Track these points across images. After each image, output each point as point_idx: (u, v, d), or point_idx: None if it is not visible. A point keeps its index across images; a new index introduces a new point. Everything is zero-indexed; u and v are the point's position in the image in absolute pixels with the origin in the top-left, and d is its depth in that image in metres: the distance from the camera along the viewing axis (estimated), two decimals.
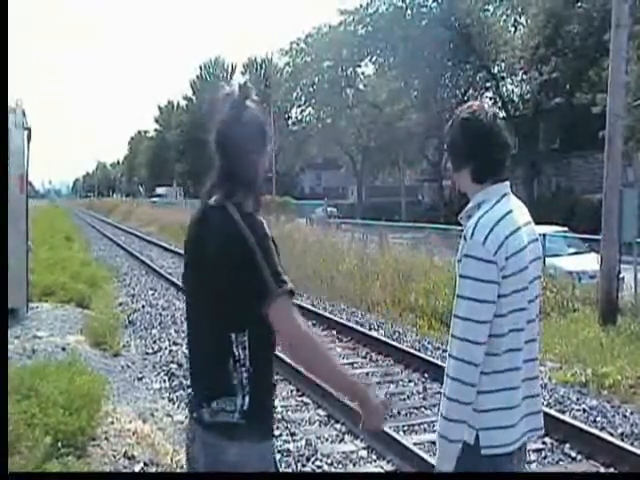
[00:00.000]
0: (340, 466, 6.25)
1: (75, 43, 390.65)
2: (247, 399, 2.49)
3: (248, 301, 2.42)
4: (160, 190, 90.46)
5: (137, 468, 5.46)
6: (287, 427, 7.20)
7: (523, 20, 42.50)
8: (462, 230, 2.77)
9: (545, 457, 6.33)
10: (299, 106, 55.67)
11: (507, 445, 2.73)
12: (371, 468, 6.18)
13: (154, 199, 78.15)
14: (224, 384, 2.49)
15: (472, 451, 2.72)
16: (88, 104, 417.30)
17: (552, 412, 7.19)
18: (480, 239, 2.63)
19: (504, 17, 44.53)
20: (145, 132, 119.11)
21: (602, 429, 6.92)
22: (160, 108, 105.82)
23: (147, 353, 10.47)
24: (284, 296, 2.44)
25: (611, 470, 6.01)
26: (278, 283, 2.42)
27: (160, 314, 13.47)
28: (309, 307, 13.72)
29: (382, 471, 6.13)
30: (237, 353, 2.47)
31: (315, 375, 2.63)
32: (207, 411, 2.52)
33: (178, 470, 5.51)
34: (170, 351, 10.43)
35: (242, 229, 2.44)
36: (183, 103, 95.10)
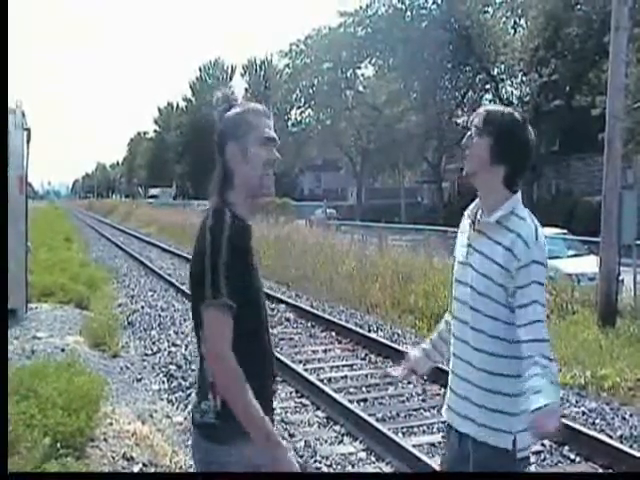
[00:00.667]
0: (339, 468, 6.24)
1: (75, 44, 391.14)
2: (218, 399, 2.51)
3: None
4: (154, 191, 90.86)
5: (136, 469, 5.46)
6: (286, 429, 7.19)
7: (523, 22, 42.54)
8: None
9: (544, 459, 6.32)
10: (298, 108, 55.66)
11: (531, 445, 2.87)
12: (370, 470, 6.18)
13: (150, 200, 78.32)
14: (204, 382, 2.57)
15: (509, 456, 2.79)
16: (88, 105, 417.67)
17: None
18: (543, 245, 2.77)
19: (504, 19, 44.54)
20: (144, 133, 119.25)
21: (601, 431, 6.92)
22: (159, 109, 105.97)
23: (146, 354, 10.46)
24: (213, 308, 2.44)
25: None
26: (214, 293, 2.43)
27: (159, 315, 13.47)
28: (308, 308, 13.72)
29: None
30: (204, 351, 2.54)
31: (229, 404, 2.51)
32: (197, 411, 2.60)
33: (177, 471, 5.51)
34: (169, 352, 10.42)
35: (206, 228, 2.50)
36: (182, 104, 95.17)
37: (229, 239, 2.46)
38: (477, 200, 2.96)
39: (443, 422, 3.20)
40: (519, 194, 2.86)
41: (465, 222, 3.00)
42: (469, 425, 2.87)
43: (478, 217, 2.90)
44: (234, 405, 2.44)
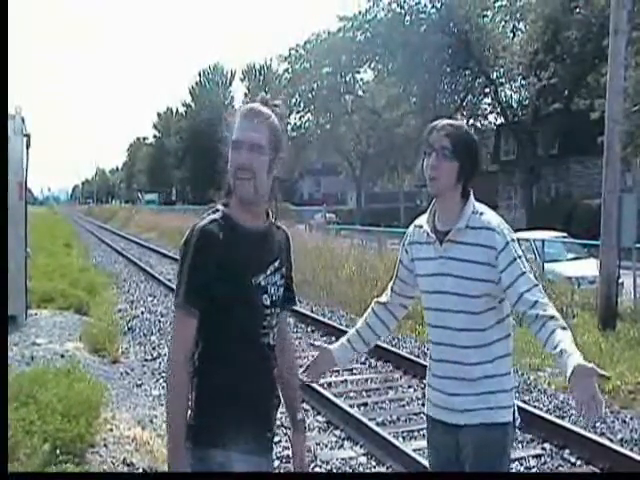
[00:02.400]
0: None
1: (74, 48, 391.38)
2: (193, 395, 2.53)
3: None
4: (150, 196, 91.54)
5: None
6: (286, 434, 7.18)
7: (522, 26, 42.54)
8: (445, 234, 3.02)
9: (544, 463, 6.32)
10: (298, 112, 55.56)
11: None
12: None
13: (149, 206, 78.73)
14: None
15: (512, 428, 3.06)
16: (87, 110, 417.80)
17: (551, 418, 7.20)
18: (508, 226, 3.02)
19: (503, 23, 44.55)
20: (144, 139, 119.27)
21: (601, 435, 6.91)
22: (159, 114, 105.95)
23: (146, 360, 10.45)
24: (175, 310, 2.51)
25: None
26: (176, 294, 2.50)
27: (159, 320, 13.46)
28: (308, 313, 13.72)
29: None
30: None
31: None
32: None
33: None
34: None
35: (190, 230, 2.54)
36: (182, 109, 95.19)
37: (204, 244, 2.47)
38: (427, 214, 3.12)
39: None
40: (471, 193, 3.04)
41: (417, 236, 3.15)
42: (467, 415, 3.00)
43: (438, 229, 3.04)
44: (165, 404, 2.51)
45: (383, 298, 3.37)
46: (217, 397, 2.52)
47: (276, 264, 2.67)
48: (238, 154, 2.56)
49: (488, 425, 2.96)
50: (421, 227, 3.13)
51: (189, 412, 2.52)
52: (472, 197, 3.02)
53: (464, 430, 2.99)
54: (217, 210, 2.61)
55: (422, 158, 3.02)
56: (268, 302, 2.62)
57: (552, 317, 2.83)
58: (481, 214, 2.98)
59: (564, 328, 2.85)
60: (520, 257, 2.92)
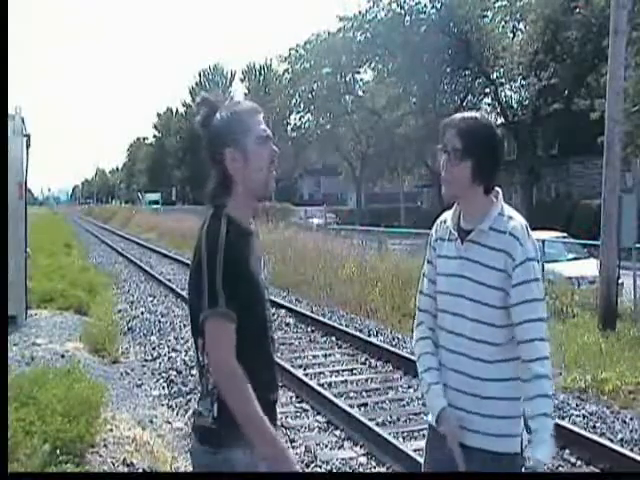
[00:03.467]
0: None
1: (74, 49, 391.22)
2: (216, 405, 2.49)
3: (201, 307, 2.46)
4: (153, 196, 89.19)
5: None
6: (286, 433, 7.19)
7: (522, 26, 42.54)
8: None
9: (544, 463, 6.30)
10: (298, 112, 55.64)
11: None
12: None
13: (153, 206, 76.67)
14: (202, 388, 2.57)
15: (519, 460, 2.83)
16: (87, 110, 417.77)
17: None
18: (535, 241, 2.79)
19: (503, 23, 44.55)
20: (144, 139, 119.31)
21: (602, 435, 6.91)
22: (159, 115, 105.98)
23: (146, 360, 10.45)
24: (213, 318, 2.42)
25: None
26: (211, 303, 2.42)
27: (159, 321, 13.46)
28: (308, 313, 13.72)
29: None
30: (201, 359, 2.52)
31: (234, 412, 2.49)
32: (196, 415, 2.61)
33: None
34: (169, 358, 10.41)
35: (202, 237, 2.48)
36: (182, 110, 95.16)
37: (225, 248, 2.43)
38: (453, 210, 2.93)
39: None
40: (500, 194, 2.86)
41: (441, 232, 2.96)
42: (473, 437, 2.81)
43: (462, 227, 2.86)
44: (237, 411, 2.40)
45: (425, 332, 3.02)
46: None
47: (262, 262, 2.76)
48: (270, 147, 2.61)
49: (497, 454, 2.79)
50: (445, 223, 2.96)
51: (213, 418, 2.51)
52: (501, 198, 2.84)
53: (468, 452, 2.79)
54: (218, 215, 2.54)
55: (441, 155, 2.86)
56: (267, 296, 2.70)
57: (541, 376, 2.74)
58: (509, 218, 2.78)
59: (547, 395, 2.72)
60: (537, 280, 2.74)
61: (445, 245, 2.91)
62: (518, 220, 2.79)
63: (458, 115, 2.90)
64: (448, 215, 2.96)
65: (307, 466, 6.34)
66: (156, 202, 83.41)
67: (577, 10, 34.53)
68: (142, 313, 14.49)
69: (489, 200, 2.82)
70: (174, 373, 9.50)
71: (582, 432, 6.73)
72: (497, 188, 2.85)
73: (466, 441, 2.81)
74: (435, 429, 2.90)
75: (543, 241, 17.17)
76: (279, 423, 7.27)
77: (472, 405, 2.81)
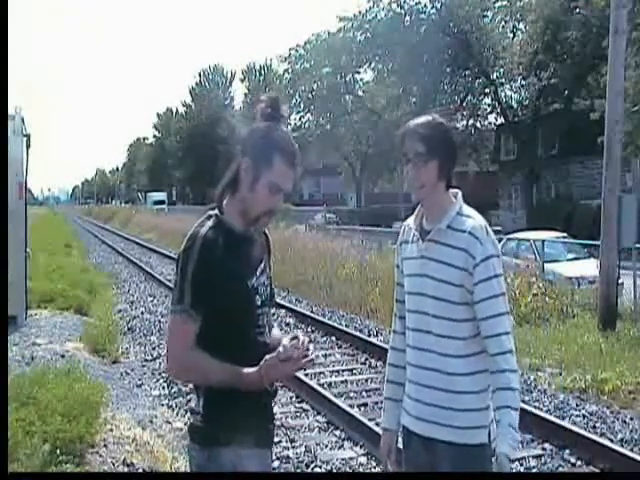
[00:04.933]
0: None
1: (74, 49, 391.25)
2: (202, 401, 2.60)
3: None
4: (157, 195, 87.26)
5: None
6: (286, 434, 7.19)
7: (522, 26, 42.56)
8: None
9: (545, 463, 6.32)
10: (298, 112, 55.61)
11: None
12: None
13: (158, 207, 74.38)
14: (194, 387, 2.70)
15: (488, 450, 2.85)
16: (87, 110, 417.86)
17: (552, 418, 7.20)
18: (494, 238, 2.86)
19: (503, 23, 44.59)
20: (144, 139, 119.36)
21: (602, 435, 6.91)
22: (159, 115, 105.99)
23: (146, 360, 10.46)
24: (174, 315, 2.55)
25: None
26: (176, 300, 2.52)
27: (159, 321, 13.46)
28: (308, 313, 13.72)
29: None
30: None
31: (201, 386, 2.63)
32: (189, 410, 2.74)
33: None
34: None
35: (189, 235, 2.56)
36: (182, 110, 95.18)
37: (201, 249, 2.49)
38: (415, 213, 3.03)
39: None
40: (460, 194, 2.94)
41: (405, 236, 3.06)
42: (439, 430, 2.87)
43: (424, 227, 2.95)
44: (202, 381, 2.58)
45: (396, 342, 3.15)
46: (222, 399, 2.55)
47: (262, 265, 2.72)
48: (276, 199, 2.63)
49: (466, 446, 2.83)
50: (408, 226, 3.06)
51: (200, 416, 2.58)
52: (460, 197, 2.92)
53: (440, 447, 2.86)
54: (211, 216, 2.62)
55: (401, 166, 2.98)
56: (259, 302, 2.67)
57: (506, 370, 2.77)
58: (468, 217, 2.86)
59: (511, 388, 2.76)
60: (497, 276, 2.80)
61: (409, 247, 3.01)
62: (477, 220, 2.86)
63: (412, 122, 2.99)
64: (411, 218, 3.06)
65: (307, 466, 6.34)
66: (162, 202, 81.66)
67: (577, 10, 34.53)
68: (142, 313, 14.50)
69: (449, 199, 2.91)
70: None
71: (582, 432, 6.73)
72: (457, 190, 2.94)
73: (437, 435, 2.87)
74: (407, 429, 3.02)
75: (543, 241, 17.20)
76: (279, 423, 7.29)
77: (443, 400, 2.86)
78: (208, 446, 2.55)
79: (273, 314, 2.98)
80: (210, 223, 2.58)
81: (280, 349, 2.50)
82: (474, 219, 2.86)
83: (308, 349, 2.54)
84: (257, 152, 2.59)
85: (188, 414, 7.40)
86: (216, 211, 2.64)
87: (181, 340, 2.51)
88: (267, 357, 2.50)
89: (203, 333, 2.53)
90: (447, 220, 2.85)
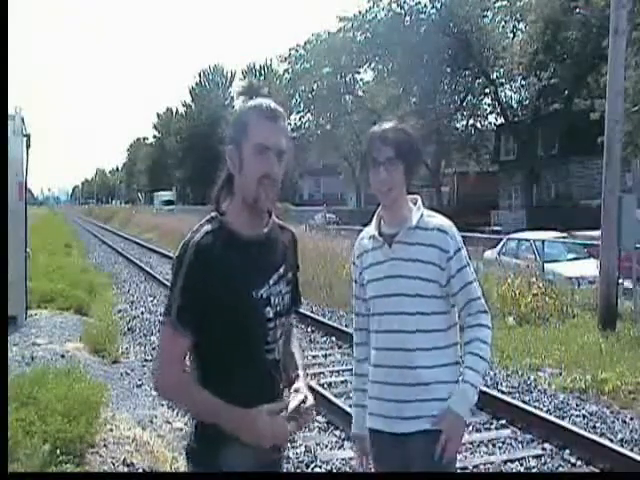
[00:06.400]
0: None
1: (74, 49, 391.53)
2: (191, 421, 2.42)
3: None
4: (165, 195, 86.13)
5: None
6: None
7: (522, 26, 42.61)
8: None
9: (545, 463, 6.32)
10: (298, 112, 55.64)
11: None
12: None
13: (167, 207, 72.31)
14: None
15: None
16: (87, 110, 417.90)
17: (552, 418, 7.20)
18: (456, 232, 3.03)
19: (503, 23, 44.63)
20: (144, 139, 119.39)
21: (602, 435, 6.90)
22: (159, 115, 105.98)
23: (146, 360, 10.44)
24: (163, 326, 2.35)
25: None
26: (166, 310, 2.30)
27: (159, 321, 13.43)
28: (308, 313, 13.71)
29: None
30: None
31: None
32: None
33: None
34: None
35: (183, 241, 2.35)
36: (182, 110, 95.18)
37: (194, 257, 2.25)
38: (373, 223, 3.12)
39: None
40: (420, 200, 3.09)
41: (362, 247, 3.14)
42: (415, 422, 2.94)
43: (386, 233, 3.04)
44: (190, 413, 2.42)
45: (360, 354, 3.22)
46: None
47: (281, 271, 2.47)
48: (265, 160, 2.31)
49: (437, 432, 2.89)
50: (364, 238, 3.14)
51: (192, 435, 2.38)
52: (420, 200, 3.06)
53: (412, 438, 2.93)
54: (213, 219, 2.38)
55: (366, 170, 3.03)
56: (271, 314, 2.39)
57: (483, 325, 2.98)
58: (431, 217, 3.01)
59: (485, 342, 2.96)
60: (468, 265, 2.99)
61: (370, 255, 3.09)
62: (440, 218, 3.03)
63: (380, 127, 3.09)
64: (368, 229, 3.15)
65: (307, 466, 6.34)
66: (171, 202, 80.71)
67: (577, 10, 34.54)
68: (142, 313, 14.49)
69: (411, 202, 3.05)
70: None
71: (582, 432, 6.72)
72: (416, 195, 3.10)
73: (407, 429, 2.95)
74: (374, 431, 3.09)
75: (543, 241, 17.21)
76: None
77: (416, 393, 2.94)
78: (200, 466, 2.37)
79: (294, 325, 2.74)
80: (208, 227, 2.34)
81: (284, 411, 2.30)
82: (438, 218, 3.03)
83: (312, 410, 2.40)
84: (234, 128, 2.39)
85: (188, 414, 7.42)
86: (216, 213, 2.40)
87: (167, 355, 2.30)
88: (266, 407, 2.25)
89: (201, 350, 2.32)
90: (415, 220, 2.98)
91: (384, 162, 2.93)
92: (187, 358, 2.36)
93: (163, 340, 2.38)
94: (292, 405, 2.34)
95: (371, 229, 3.12)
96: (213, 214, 2.40)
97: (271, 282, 2.42)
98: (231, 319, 2.30)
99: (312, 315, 13.54)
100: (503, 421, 7.31)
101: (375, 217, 3.12)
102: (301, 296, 2.77)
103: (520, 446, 6.72)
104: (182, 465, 5.87)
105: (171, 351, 2.30)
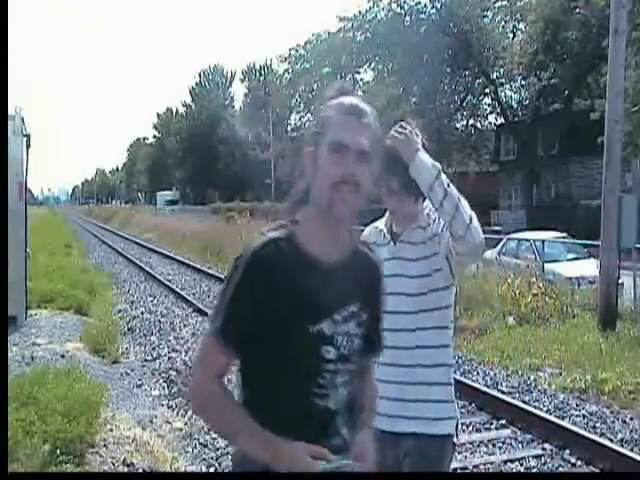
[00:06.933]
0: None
1: (74, 49, 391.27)
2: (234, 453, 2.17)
3: None
4: (168, 195, 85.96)
5: None
6: None
7: (522, 26, 42.54)
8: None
9: (545, 463, 6.32)
10: (298, 112, 55.70)
11: None
12: None
13: (170, 207, 72.52)
14: None
15: (450, 440, 3.01)
16: (87, 110, 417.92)
17: (552, 418, 7.20)
18: None
19: (503, 23, 44.55)
20: (144, 139, 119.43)
21: (602, 435, 6.91)
22: (159, 115, 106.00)
23: (146, 360, 10.45)
24: (205, 336, 2.10)
25: None
26: (210, 317, 2.07)
27: (159, 321, 13.46)
28: None
29: None
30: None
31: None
32: None
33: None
34: (169, 358, 10.41)
35: (245, 246, 2.07)
36: (182, 110, 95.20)
37: (248, 267, 1.97)
38: (385, 218, 3.16)
39: None
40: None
41: (374, 237, 3.14)
42: (407, 423, 2.95)
43: (395, 230, 3.09)
44: (217, 432, 2.25)
45: None
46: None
47: (353, 308, 2.06)
48: (342, 160, 1.98)
49: (435, 437, 2.92)
50: (377, 228, 3.17)
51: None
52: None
53: (406, 439, 2.94)
54: (282, 226, 2.07)
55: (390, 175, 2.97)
56: (333, 356, 2.02)
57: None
58: (428, 216, 3.04)
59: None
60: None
61: (377, 250, 3.04)
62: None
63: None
64: (380, 222, 3.19)
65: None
66: (175, 202, 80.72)
67: (577, 10, 34.52)
68: (142, 313, 14.49)
69: (420, 202, 3.04)
70: (174, 373, 9.49)
71: (582, 432, 6.73)
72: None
73: (404, 429, 2.96)
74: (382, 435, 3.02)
75: (543, 241, 17.20)
76: None
77: (410, 393, 2.95)
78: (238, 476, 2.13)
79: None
80: (273, 235, 2.04)
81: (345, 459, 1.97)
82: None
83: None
84: (313, 128, 2.13)
85: (188, 414, 7.42)
86: (288, 223, 2.08)
87: (205, 366, 2.07)
88: (308, 447, 1.92)
89: (245, 372, 2.06)
90: (419, 220, 3.02)
91: (401, 172, 2.95)
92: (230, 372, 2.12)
93: (203, 349, 2.12)
94: (333, 462, 1.95)
95: (381, 224, 3.15)
96: (283, 222, 2.09)
97: (337, 318, 2.03)
98: (279, 350, 1.99)
99: None
100: (503, 421, 7.31)
101: (388, 212, 3.15)
102: (382, 343, 2.28)
103: (520, 446, 6.72)
104: (182, 465, 5.88)
105: (210, 364, 2.06)
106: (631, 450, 6.43)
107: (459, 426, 3.04)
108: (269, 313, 1.96)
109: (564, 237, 19.23)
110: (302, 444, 1.91)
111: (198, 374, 2.12)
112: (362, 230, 3.12)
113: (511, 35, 43.91)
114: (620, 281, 12.11)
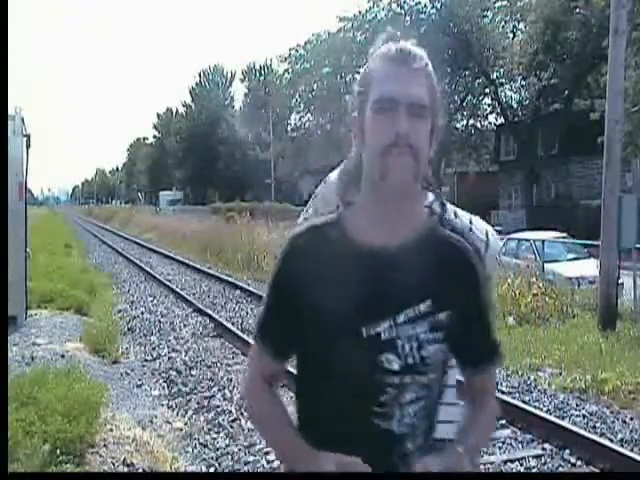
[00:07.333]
0: None
1: (74, 49, 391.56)
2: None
3: None
4: (170, 195, 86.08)
5: None
6: None
7: (522, 26, 42.55)
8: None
9: (545, 463, 6.31)
10: (298, 112, 55.71)
11: None
12: None
13: (172, 207, 72.58)
14: None
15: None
16: (87, 110, 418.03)
17: (552, 418, 7.19)
18: None
19: (503, 23, 44.58)
20: (144, 139, 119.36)
21: (602, 435, 6.90)
22: (159, 115, 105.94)
23: (146, 360, 10.44)
24: (254, 341, 1.85)
25: None
26: (257, 322, 1.84)
27: (159, 321, 13.45)
28: None
29: None
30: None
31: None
32: None
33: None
34: (169, 358, 10.41)
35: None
36: (182, 110, 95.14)
37: (286, 257, 1.73)
38: None
39: None
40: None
41: None
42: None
43: None
44: (261, 432, 2.12)
45: None
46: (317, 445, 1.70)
47: (421, 307, 1.67)
48: (391, 119, 1.63)
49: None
50: None
51: None
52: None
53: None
54: (332, 212, 1.81)
55: None
56: (396, 366, 1.65)
57: None
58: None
59: None
60: None
61: None
62: None
63: None
64: None
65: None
66: (178, 201, 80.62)
67: (577, 10, 34.52)
68: (142, 313, 14.48)
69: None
70: (174, 373, 9.49)
71: (582, 432, 6.72)
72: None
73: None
74: None
75: (543, 241, 17.20)
76: None
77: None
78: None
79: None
80: (318, 221, 1.77)
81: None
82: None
83: None
84: (357, 88, 1.74)
85: (188, 414, 7.42)
86: (341, 207, 1.80)
87: (249, 371, 1.90)
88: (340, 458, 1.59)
89: (297, 384, 1.82)
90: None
91: None
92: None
93: (250, 356, 1.94)
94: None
95: None
96: (336, 210, 1.82)
97: (399, 319, 1.66)
98: (327, 357, 1.68)
99: None
100: (503, 421, 7.30)
101: None
102: (490, 350, 1.83)
103: (520, 446, 6.71)
104: (182, 465, 5.88)
105: (254, 367, 1.87)
106: (631, 450, 6.42)
107: None
108: (311, 312, 1.66)
109: (564, 237, 19.24)
110: (334, 456, 1.60)
111: (245, 379, 1.96)
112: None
113: (511, 35, 43.94)
114: (620, 281, 12.11)
